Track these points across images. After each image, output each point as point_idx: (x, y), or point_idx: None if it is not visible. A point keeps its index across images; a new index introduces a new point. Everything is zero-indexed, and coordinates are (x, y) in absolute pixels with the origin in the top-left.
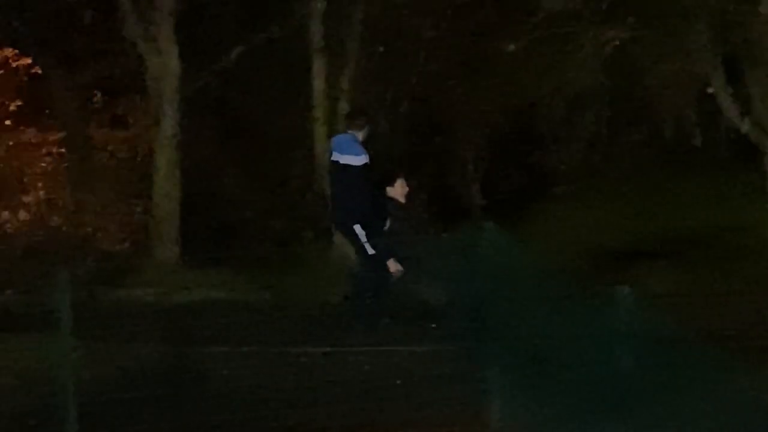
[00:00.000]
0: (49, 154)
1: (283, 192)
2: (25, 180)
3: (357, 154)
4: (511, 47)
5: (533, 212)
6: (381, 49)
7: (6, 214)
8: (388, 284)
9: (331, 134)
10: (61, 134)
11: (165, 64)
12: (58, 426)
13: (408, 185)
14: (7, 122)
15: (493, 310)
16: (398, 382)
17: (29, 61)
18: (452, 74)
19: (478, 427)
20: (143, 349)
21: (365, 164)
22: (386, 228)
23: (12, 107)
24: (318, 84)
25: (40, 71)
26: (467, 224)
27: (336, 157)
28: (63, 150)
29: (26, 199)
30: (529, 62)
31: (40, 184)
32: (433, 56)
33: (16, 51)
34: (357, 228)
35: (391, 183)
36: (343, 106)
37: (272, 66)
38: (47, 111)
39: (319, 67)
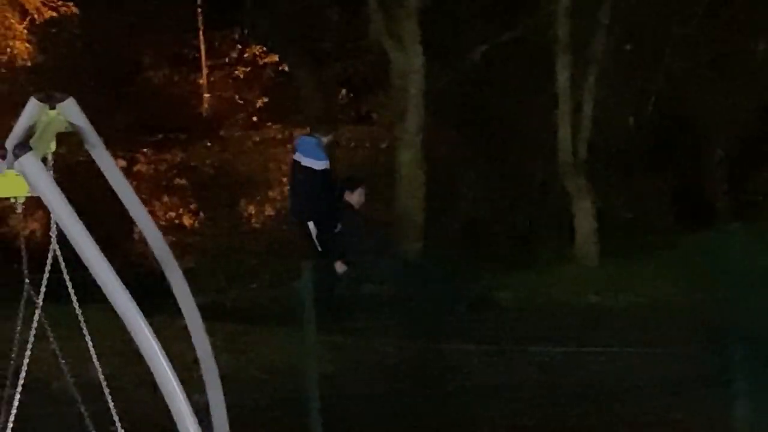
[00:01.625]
0: (294, 150)
1: (526, 190)
2: (270, 175)
3: (318, 159)
4: (762, 45)
5: None
6: (627, 46)
7: (252, 209)
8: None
9: (575, 132)
10: (307, 131)
11: (409, 61)
12: (301, 418)
13: (365, 196)
14: (254, 119)
15: (740, 311)
16: (639, 383)
17: (276, 58)
18: (700, 72)
19: None
20: (385, 345)
21: (325, 169)
22: (337, 230)
23: (259, 104)
24: (562, 81)
25: (286, 69)
26: (714, 225)
27: (298, 157)
28: None
29: (271, 194)
30: None
31: (284, 180)
32: (680, 53)
33: (264, 49)
34: (310, 224)
35: (352, 190)
36: (588, 105)
37: (516, 63)
38: (293, 108)
39: (563, 64)
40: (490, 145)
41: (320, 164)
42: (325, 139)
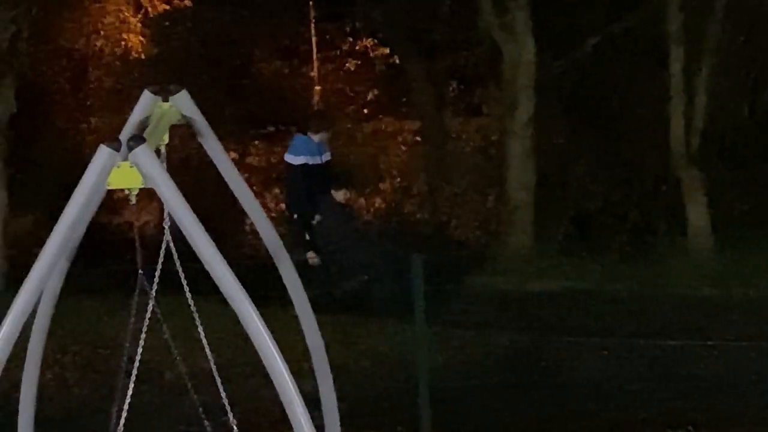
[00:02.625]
0: (405, 142)
1: (638, 182)
2: (381, 167)
3: (296, 155)
4: None
5: None
6: (742, 36)
7: (362, 201)
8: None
9: (688, 123)
10: (417, 123)
11: (520, 52)
12: (410, 410)
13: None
14: (365, 111)
15: None
16: (754, 378)
17: (387, 51)
18: None
19: None
20: (495, 337)
21: (302, 164)
22: (315, 221)
23: (370, 96)
24: (675, 72)
25: (397, 61)
26: None
27: (287, 153)
28: (418, 138)
29: (382, 186)
30: None
31: (395, 172)
32: None
33: (375, 41)
34: (295, 216)
35: (338, 188)
36: (701, 96)
37: (628, 54)
38: (404, 100)
39: (676, 55)
40: (602, 137)
41: (296, 160)
42: (315, 137)
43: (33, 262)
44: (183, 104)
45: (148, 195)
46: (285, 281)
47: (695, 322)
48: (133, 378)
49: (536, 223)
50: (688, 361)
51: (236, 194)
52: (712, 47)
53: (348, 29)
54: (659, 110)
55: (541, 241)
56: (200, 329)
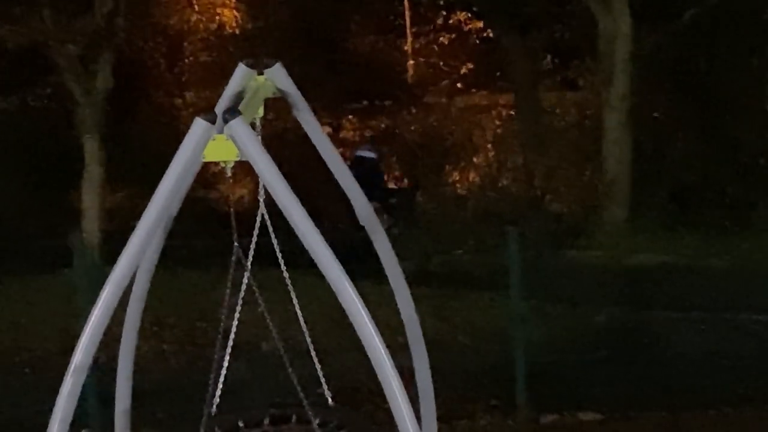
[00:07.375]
0: (499, 116)
1: (736, 156)
2: (475, 142)
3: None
4: None
5: None
6: None
7: (456, 175)
8: None
9: None
10: (512, 97)
11: (617, 25)
12: (506, 384)
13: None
14: (459, 85)
15: None
16: None
17: (481, 24)
18: None
19: None
20: (591, 311)
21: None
22: None
23: (463, 70)
24: None
25: (491, 35)
26: None
27: None
28: (513, 112)
29: (476, 160)
30: None
31: (489, 146)
32: None
33: (469, 15)
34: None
35: None
36: None
37: (727, 26)
38: (498, 74)
39: None
40: (700, 110)
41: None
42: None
43: (129, 235)
44: (278, 77)
45: (243, 169)
46: (379, 254)
47: None
48: (228, 350)
49: (633, 197)
50: None
51: (330, 167)
52: None
53: (442, 2)
54: (758, 83)
55: (638, 215)
56: (295, 302)
